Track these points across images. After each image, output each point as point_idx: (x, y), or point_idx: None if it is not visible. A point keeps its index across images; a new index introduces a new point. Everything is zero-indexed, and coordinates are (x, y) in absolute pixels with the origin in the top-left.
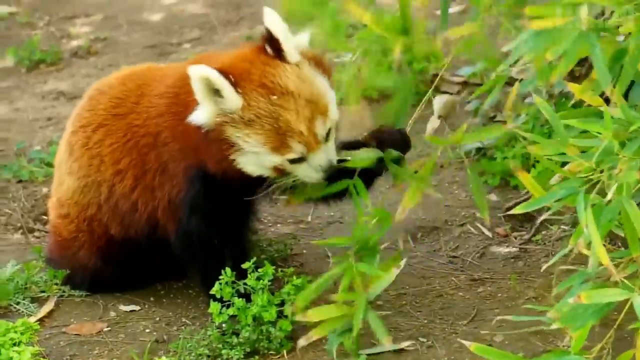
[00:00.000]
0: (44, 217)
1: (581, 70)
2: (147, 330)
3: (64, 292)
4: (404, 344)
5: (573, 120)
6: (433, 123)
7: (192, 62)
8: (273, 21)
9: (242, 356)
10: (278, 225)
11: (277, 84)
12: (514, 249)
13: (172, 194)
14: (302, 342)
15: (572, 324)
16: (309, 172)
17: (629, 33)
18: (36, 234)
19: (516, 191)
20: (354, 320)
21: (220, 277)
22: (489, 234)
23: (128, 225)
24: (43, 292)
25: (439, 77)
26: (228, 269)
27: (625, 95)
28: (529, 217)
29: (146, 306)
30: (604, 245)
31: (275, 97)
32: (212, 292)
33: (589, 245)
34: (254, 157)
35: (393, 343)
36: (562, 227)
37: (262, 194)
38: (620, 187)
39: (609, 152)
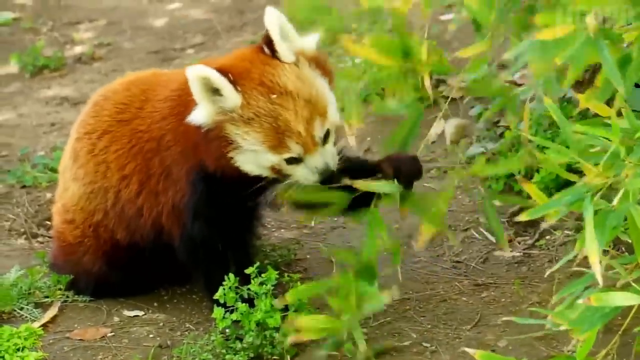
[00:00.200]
0: (48, 222)
1: (585, 76)
2: (151, 336)
3: (67, 297)
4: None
5: (579, 125)
6: (437, 128)
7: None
8: (271, 20)
9: None
10: (282, 230)
11: (276, 83)
12: (518, 254)
13: (175, 199)
14: (290, 340)
15: (578, 327)
16: (305, 174)
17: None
18: (40, 239)
19: (520, 196)
20: (339, 336)
21: (224, 282)
22: (493, 239)
23: (134, 231)
24: (47, 297)
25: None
26: (232, 274)
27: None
28: (532, 222)
29: (150, 311)
30: (609, 250)
31: (274, 96)
32: (215, 297)
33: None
34: (252, 156)
35: (397, 347)
36: (565, 232)
37: (263, 198)
38: (626, 192)
39: (615, 157)
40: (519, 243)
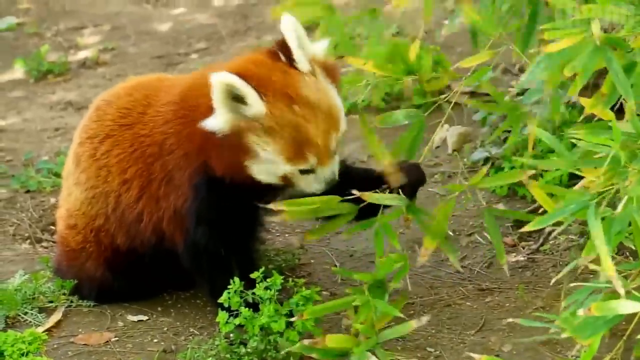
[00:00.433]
0: (52, 227)
1: (589, 81)
2: (155, 340)
3: (71, 302)
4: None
5: (582, 132)
6: (441, 133)
7: (202, 73)
8: (288, 27)
9: None
10: (286, 234)
11: (298, 94)
12: (522, 259)
13: (177, 204)
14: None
15: (582, 333)
16: (312, 184)
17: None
18: (44, 244)
19: (524, 200)
20: (355, 352)
21: (229, 286)
22: None
23: (134, 236)
24: (51, 302)
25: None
26: (236, 279)
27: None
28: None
29: (154, 316)
30: (613, 256)
31: (297, 107)
32: (220, 301)
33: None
34: (267, 165)
35: (401, 353)
36: (569, 237)
37: (264, 203)
38: (630, 199)
39: (616, 163)
40: (523, 248)
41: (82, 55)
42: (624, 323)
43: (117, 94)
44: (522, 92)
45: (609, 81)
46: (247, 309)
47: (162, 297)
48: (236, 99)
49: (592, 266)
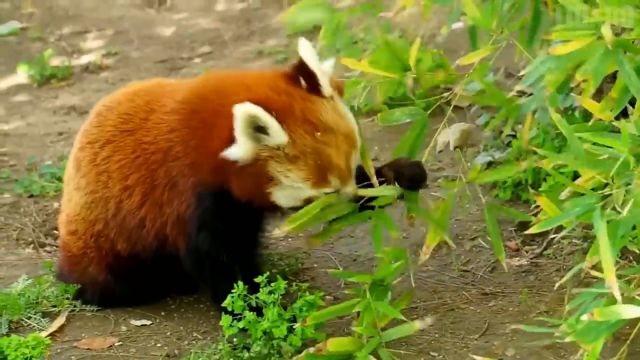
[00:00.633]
0: (55, 231)
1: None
2: (159, 345)
3: (75, 306)
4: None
5: (587, 134)
6: (444, 136)
7: (206, 80)
8: (308, 53)
9: None
10: (289, 239)
11: (319, 120)
12: (526, 263)
13: (180, 210)
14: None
15: (585, 338)
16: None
17: None
18: (47, 248)
19: (527, 205)
20: (359, 355)
21: (232, 290)
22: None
23: (135, 242)
24: (54, 306)
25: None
26: (240, 282)
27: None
28: (540, 232)
29: (157, 321)
30: (618, 260)
31: (319, 134)
32: (223, 304)
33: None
34: (291, 191)
35: (404, 357)
36: (573, 241)
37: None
38: (635, 202)
39: (625, 166)
40: (527, 252)
41: (85, 59)
42: (627, 327)
43: (118, 100)
44: (520, 94)
45: (620, 85)
46: (251, 313)
47: (165, 302)
48: (258, 129)
49: (594, 273)
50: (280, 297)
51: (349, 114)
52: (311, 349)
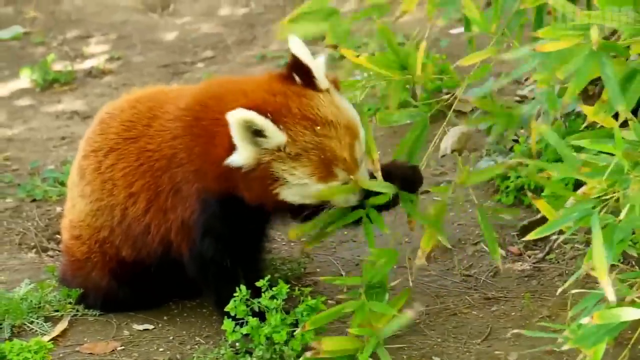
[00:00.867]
0: (58, 236)
1: (595, 89)
2: (161, 349)
3: (77, 311)
4: None
5: (585, 141)
6: (446, 142)
7: (206, 87)
8: (300, 49)
9: None
10: (292, 243)
11: (317, 114)
12: (528, 268)
13: (185, 216)
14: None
15: (585, 342)
16: (347, 198)
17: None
18: (50, 253)
19: (530, 210)
20: (361, 357)
21: (235, 295)
22: (503, 252)
23: (140, 248)
24: (57, 311)
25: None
26: (243, 287)
27: (635, 113)
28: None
29: (160, 325)
30: (617, 265)
31: (319, 127)
32: (226, 309)
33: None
34: (299, 188)
35: None
36: (575, 245)
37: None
38: (632, 207)
39: (619, 171)
40: (529, 257)
41: (88, 64)
42: (629, 332)
43: (121, 107)
44: (522, 99)
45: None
46: (254, 318)
47: (167, 306)
48: (256, 133)
49: (593, 273)
50: (283, 301)
51: (349, 105)
52: (308, 353)
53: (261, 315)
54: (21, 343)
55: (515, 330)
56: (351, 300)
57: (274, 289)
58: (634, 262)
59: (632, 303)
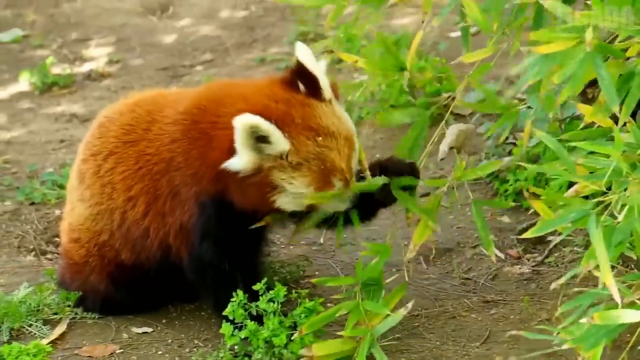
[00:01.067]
0: (57, 239)
1: (594, 92)
2: (160, 352)
3: (76, 314)
4: None
5: (582, 142)
6: (445, 145)
7: (206, 90)
8: (308, 57)
9: None
10: (291, 246)
11: (320, 125)
12: (527, 271)
13: (183, 219)
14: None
15: (584, 344)
16: (339, 204)
17: (637, 55)
18: (49, 256)
19: (529, 213)
20: (357, 357)
21: (233, 299)
22: (502, 255)
23: (139, 251)
24: (55, 314)
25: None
26: (240, 291)
27: (634, 116)
28: (541, 239)
29: (158, 328)
30: (617, 267)
31: (321, 138)
32: (224, 313)
33: (597, 267)
34: (295, 197)
35: None
36: (574, 249)
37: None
38: (631, 209)
39: (618, 173)
40: (528, 260)
41: (87, 67)
42: (627, 335)
43: (120, 111)
44: (520, 100)
45: None
46: (252, 322)
47: (166, 310)
48: (259, 139)
49: (596, 272)
50: (281, 304)
51: (346, 115)
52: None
53: (259, 319)
54: (20, 346)
55: (513, 332)
56: (346, 301)
57: (271, 292)
58: (632, 265)
59: (632, 305)
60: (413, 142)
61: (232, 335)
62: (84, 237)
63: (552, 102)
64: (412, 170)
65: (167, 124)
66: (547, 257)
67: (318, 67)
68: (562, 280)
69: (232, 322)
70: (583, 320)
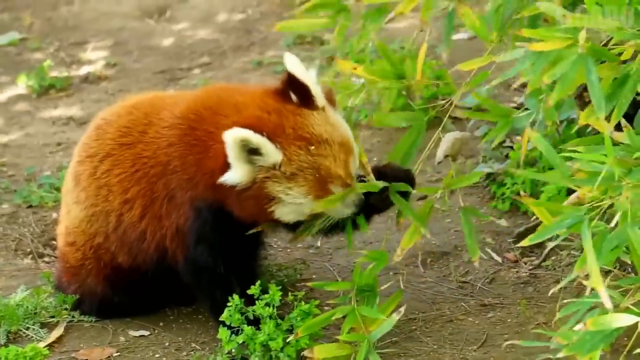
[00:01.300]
0: (54, 242)
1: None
2: (157, 356)
3: (73, 317)
4: None
5: (580, 148)
6: (442, 149)
7: (202, 95)
8: (297, 67)
9: None
10: (288, 250)
11: (312, 133)
12: (524, 275)
13: (179, 222)
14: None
15: (580, 350)
16: (343, 210)
17: (632, 58)
18: (46, 259)
19: (526, 216)
20: None
21: (229, 303)
22: (499, 259)
23: (136, 254)
24: (52, 317)
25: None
26: (236, 295)
27: (631, 120)
28: (538, 243)
29: (155, 331)
30: (614, 271)
31: (313, 147)
32: (221, 318)
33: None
34: (295, 207)
35: None
36: (571, 252)
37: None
38: (624, 214)
39: (610, 178)
40: (525, 264)
41: (84, 70)
42: (625, 339)
43: (117, 113)
44: (518, 107)
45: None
46: (249, 326)
47: (164, 313)
48: (251, 151)
49: (585, 282)
50: (277, 308)
51: (342, 120)
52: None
53: (256, 322)
54: (17, 349)
55: (509, 342)
56: (342, 305)
57: (267, 296)
58: (630, 269)
59: (627, 310)
60: (408, 148)
61: (230, 340)
62: (79, 240)
63: (553, 115)
64: (408, 178)
65: (164, 127)
66: (544, 260)
67: (308, 76)
68: (559, 286)
69: (229, 326)
70: (577, 327)
